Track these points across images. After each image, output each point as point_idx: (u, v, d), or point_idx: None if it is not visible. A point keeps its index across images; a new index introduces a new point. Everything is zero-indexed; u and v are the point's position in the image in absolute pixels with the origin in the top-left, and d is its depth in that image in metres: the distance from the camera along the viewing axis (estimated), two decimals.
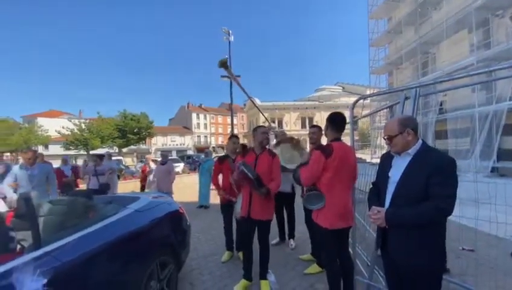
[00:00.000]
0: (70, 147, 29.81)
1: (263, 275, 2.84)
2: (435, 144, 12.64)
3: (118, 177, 7.70)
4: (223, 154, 4.15)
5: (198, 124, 57.35)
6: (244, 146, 4.60)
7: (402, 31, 15.65)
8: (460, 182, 2.93)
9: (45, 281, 1.45)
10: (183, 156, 28.88)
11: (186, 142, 54.19)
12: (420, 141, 1.65)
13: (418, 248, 1.54)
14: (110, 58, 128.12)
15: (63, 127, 29.98)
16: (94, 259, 1.71)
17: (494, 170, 9.73)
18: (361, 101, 2.97)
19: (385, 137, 1.71)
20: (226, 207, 3.62)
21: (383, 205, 1.68)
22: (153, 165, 8.01)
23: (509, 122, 9.23)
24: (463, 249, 3.61)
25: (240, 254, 3.52)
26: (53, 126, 33.72)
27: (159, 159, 7.10)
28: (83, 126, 30.17)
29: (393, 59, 16.97)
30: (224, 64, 3.30)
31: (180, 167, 18.80)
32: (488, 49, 10.55)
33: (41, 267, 1.49)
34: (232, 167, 3.26)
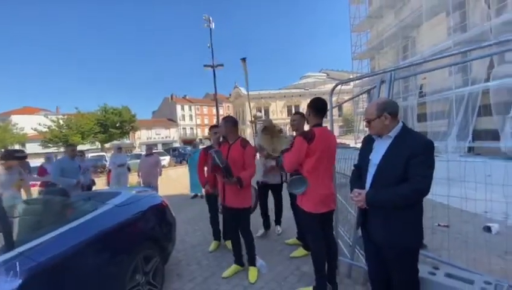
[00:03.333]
0: (49, 145, 28.59)
1: (251, 262, 2.90)
2: (416, 127, 13.06)
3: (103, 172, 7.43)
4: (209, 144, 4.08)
5: (183, 115, 56.30)
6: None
7: (383, 15, 15.78)
8: (436, 162, 3.06)
9: (20, 281, 1.41)
10: (168, 148, 28.41)
11: (172, 134, 53.25)
12: (401, 124, 1.67)
13: (396, 227, 1.61)
14: (86, 50, 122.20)
15: (39, 124, 28.61)
16: (72, 257, 1.67)
17: (470, 149, 10.20)
18: (342, 87, 3.01)
19: (364, 120, 1.75)
20: (211, 197, 3.62)
21: (364, 187, 1.73)
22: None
23: (484, 104, 9.62)
24: (439, 225, 3.81)
25: (227, 243, 3.57)
26: (29, 123, 32.11)
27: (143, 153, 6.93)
28: (61, 122, 28.90)
29: (374, 44, 17.15)
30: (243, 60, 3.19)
31: (166, 160, 18.53)
32: (464, 32, 10.83)
33: (15, 268, 1.44)
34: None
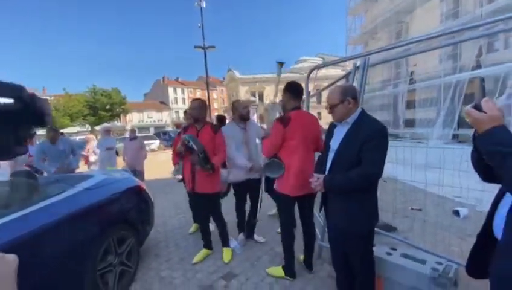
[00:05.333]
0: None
1: (225, 244, 2.98)
2: (405, 113, 13.18)
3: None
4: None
5: (175, 98, 55.27)
6: (220, 118, 4.50)
7: None
8: (414, 148, 3.10)
9: None
10: (159, 132, 28.12)
11: (164, 118, 52.52)
12: (359, 110, 1.70)
13: (350, 211, 1.66)
14: (74, 28, 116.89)
15: None
16: (31, 240, 1.67)
17: (454, 137, 10.41)
18: (329, 73, 2.97)
19: (327, 106, 1.74)
20: None
21: (324, 172, 1.78)
22: (94, 145, 7.65)
23: (470, 92, 9.72)
24: (412, 209, 3.95)
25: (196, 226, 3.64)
26: None
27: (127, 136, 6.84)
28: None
29: (369, 29, 16.89)
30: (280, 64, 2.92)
31: (155, 144, 18.37)
32: (456, 18, 10.74)
33: None
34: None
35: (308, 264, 2.55)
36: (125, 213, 2.60)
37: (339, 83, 2.83)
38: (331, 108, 1.71)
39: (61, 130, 25.01)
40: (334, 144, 1.73)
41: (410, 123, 12.75)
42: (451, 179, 3.15)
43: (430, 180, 3.01)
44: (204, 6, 15.54)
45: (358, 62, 2.50)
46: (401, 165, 3.50)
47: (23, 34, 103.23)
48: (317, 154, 2.32)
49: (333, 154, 1.72)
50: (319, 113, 13.49)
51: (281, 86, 2.47)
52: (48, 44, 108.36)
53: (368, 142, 1.55)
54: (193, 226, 3.75)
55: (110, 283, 2.29)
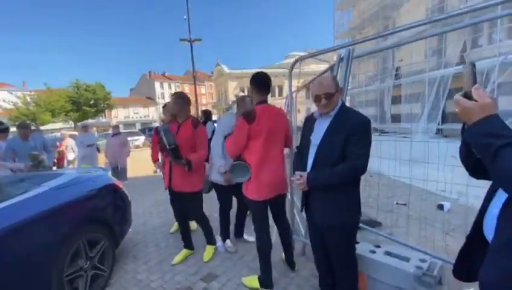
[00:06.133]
0: (16, 123, 26.71)
1: (210, 242, 2.86)
2: (391, 109, 13.35)
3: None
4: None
5: (162, 94, 54.04)
6: (206, 112, 4.34)
7: None
8: (399, 143, 3.04)
9: None
10: (144, 128, 27.45)
11: (151, 114, 51.38)
12: (340, 102, 1.62)
13: (333, 208, 1.58)
14: (55, 20, 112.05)
15: (4, 101, 26.49)
16: None
17: (438, 131, 10.61)
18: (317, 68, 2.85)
19: (323, 95, 1.54)
20: None
21: (305, 169, 1.66)
22: (71, 142, 7.37)
23: (454, 87, 9.90)
24: (397, 203, 3.95)
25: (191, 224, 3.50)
26: None
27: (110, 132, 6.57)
28: (28, 99, 26.89)
29: (356, 24, 16.94)
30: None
31: (140, 140, 17.89)
32: (441, 13, 10.85)
33: None
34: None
35: (290, 262, 2.46)
36: (97, 214, 2.44)
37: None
38: (328, 98, 1.55)
39: (42, 127, 24.06)
40: (316, 138, 1.63)
41: (396, 118, 12.92)
42: (436, 173, 3.14)
43: (415, 174, 2.98)
44: None
45: (343, 53, 2.40)
46: (386, 159, 3.47)
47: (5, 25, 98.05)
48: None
49: (315, 150, 1.61)
50: (308, 109, 13.45)
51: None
52: (27, 33, 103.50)
53: (353, 136, 1.48)
54: (174, 225, 3.60)
55: (81, 289, 2.14)
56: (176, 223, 3.62)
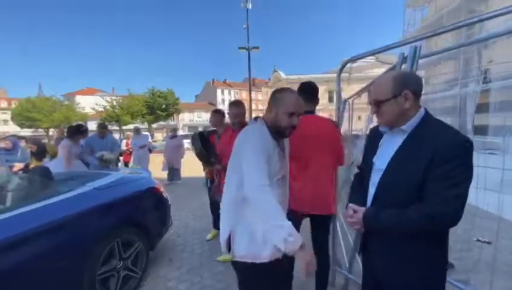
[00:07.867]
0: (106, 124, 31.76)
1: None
2: (475, 118, 11.20)
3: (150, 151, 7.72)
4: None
5: (223, 100, 57.46)
6: (256, 119, 4.31)
7: None
8: (483, 159, 2.36)
9: None
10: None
11: None
12: (422, 112, 1.12)
13: (405, 260, 1.14)
14: (138, 39, 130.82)
15: (96, 104, 31.87)
16: (25, 240, 1.63)
17: None
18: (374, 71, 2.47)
19: (372, 102, 1.17)
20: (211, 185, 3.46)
21: (365, 201, 1.24)
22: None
23: None
24: (478, 240, 3.11)
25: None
26: (89, 104, 35.98)
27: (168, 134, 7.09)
28: (114, 103, 31.75)
29: (432, 20, 14.89)
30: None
31: None
32: None
33: None
34: (217, 143, 3.04)
35: None
36: (135, 216, 2.51)
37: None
38: (377, 105, 1.15)
39: (124, 126, 27.94)
40: (381, 161, 1.18)
41: (481, 130, 10.75)
42: None
43: (508, 203, 2.27)
44: (250, 7, 15.59)
45: (407, 52, 1.97)
46: None
47: (102, 40, 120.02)
48: (345, 170, 1.86)
49: (379, 178, 1.17)
50: (371, 118, 12.30)
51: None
52: (114, 47, 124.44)
53: (438, 164, 1.00)
54: (212, 233, 3.55)
55: (112, 288, 2.21)
56: (214, 231, 3.58)
